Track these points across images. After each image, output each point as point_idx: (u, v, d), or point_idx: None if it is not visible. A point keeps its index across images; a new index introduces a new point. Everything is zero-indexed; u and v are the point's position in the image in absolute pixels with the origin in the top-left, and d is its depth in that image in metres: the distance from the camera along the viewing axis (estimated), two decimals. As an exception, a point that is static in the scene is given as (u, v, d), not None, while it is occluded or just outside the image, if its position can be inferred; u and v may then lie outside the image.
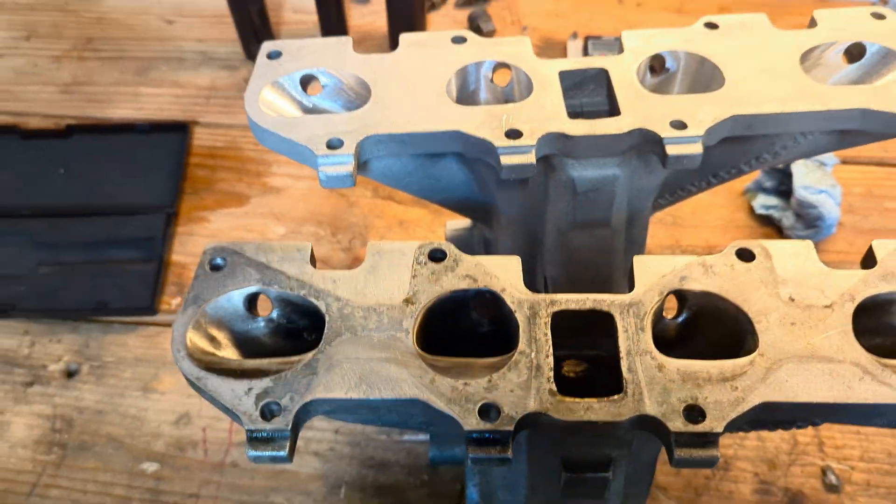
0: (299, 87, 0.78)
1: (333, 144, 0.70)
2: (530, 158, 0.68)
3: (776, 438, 0.99)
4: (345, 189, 1.24)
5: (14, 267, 1.16)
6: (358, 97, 0.77)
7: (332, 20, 1.39)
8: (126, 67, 1.41)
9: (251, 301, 0.65)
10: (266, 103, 0.75)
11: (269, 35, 1.40)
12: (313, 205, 1.21)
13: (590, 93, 0.78)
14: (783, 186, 1.16)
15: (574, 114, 0.79)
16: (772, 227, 1.17)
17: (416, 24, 1.37)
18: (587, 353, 0.66)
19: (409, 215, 1.21)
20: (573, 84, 0.77)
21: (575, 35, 1.38)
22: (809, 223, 1.11)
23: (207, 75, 1.37)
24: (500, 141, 0.69)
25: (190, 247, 1.18)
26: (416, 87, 0.75)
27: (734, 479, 0.96)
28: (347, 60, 0.78)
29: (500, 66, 0.78)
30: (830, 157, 1.17)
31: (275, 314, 0.66)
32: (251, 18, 1.33)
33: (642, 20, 1.41)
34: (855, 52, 0.78)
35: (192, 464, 0.99)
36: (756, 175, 1.20)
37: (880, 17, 0.78)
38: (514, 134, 0.69)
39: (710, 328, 0.64)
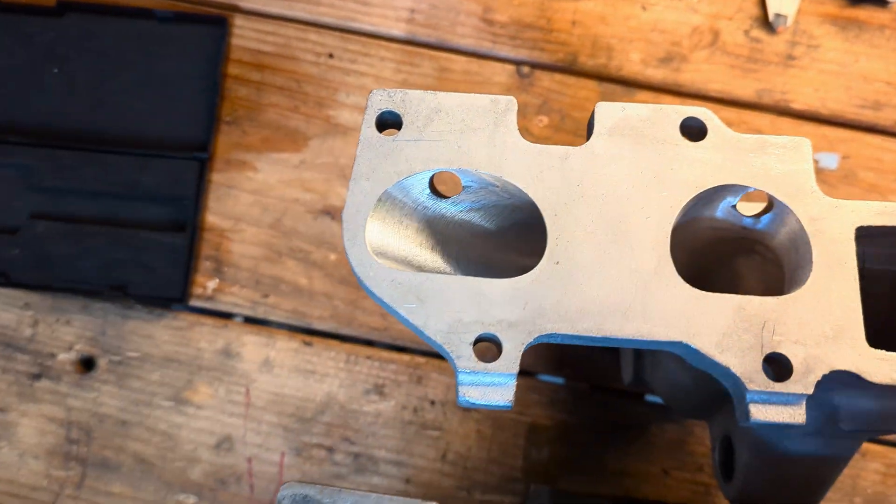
0: (427, 191, 0.49)
1: (486, 352, 0.43)
2: (799, 415, 0.43)
3: None
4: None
5: (1, 215, 0.88)
6: (513, 202, 0.49)
7: None
8: None
9: None
10: (375, 236, 0.46)
11: None
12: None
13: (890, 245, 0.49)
14: None
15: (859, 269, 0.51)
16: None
17: None
18: None
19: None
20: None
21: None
22: None
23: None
24: (754, 380, 0.43)
25: (230, 205, 0.90)
26: (620, 227, 0.46)
27: None
28: (508, 149, 0.48)
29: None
30: None
31: None
32: None
33: None
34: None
35: (236, 501, 0.84)
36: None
37: None
38: (779, 372, 0.43)
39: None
